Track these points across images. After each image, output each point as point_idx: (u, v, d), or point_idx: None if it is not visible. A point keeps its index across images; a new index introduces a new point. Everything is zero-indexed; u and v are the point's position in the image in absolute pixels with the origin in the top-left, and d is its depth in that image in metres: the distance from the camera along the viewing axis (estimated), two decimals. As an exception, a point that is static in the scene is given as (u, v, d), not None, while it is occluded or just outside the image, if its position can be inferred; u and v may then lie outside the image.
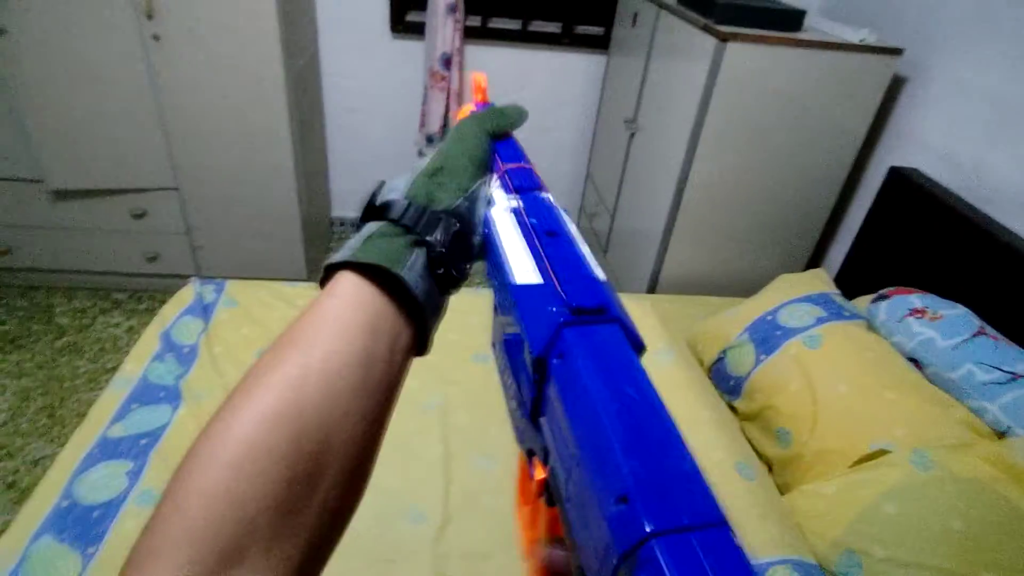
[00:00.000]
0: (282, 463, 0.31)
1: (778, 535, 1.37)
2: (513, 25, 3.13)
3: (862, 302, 1.90)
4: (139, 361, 1.75)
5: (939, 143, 2.03)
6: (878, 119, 2.20)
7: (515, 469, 0.44)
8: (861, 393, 1.52)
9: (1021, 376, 1.43)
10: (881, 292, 1.84)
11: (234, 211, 2.79)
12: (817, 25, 2.26)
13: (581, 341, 0.32)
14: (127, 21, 2.29)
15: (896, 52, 2.04)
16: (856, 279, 2.19)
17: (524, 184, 0.46)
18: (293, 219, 2.85)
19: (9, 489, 2.07)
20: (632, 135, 2.68)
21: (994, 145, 1.83)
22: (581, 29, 3.19)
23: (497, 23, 3.12)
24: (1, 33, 2.24)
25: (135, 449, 1.49)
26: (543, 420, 0.33)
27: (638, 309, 2.09)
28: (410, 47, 3.10)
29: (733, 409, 1.80)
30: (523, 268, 0.38)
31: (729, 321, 1.92)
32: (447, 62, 2.95)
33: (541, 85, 3.26)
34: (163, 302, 2.01)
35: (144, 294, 3.00)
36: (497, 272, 0.40)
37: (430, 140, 3.16)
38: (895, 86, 2.19)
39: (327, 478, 0.33)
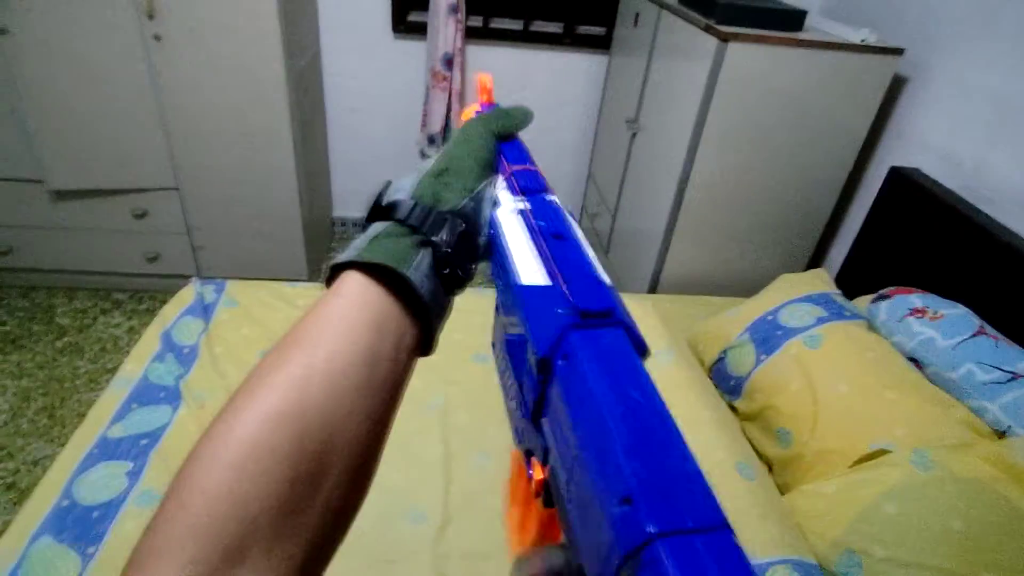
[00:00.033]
0: (285, 463, 0.31)
1: (778, 535, 1.37)
2: (515, 25, 3.13)
3: (863, 302, 1.90)
4: (139, 361, 1.75)
5: (940, 143, 2.03)
6: (879, 119, 2.20)
7: (511, 470, 0.44)
8: (861, 393, 1.52)
9: (1021, 376, 1.42)
10: (881, 292, 1.84)
11: (235, 211, 2.80)
12: (818, 25, 2.26)
13: (587, 344, 0.32)
14: (128, 21, 2.29)
15: (897, 52, 2.04)
16: (857, 279, 2.18)
17: (531, 186, 0.46)
18: (294, 219, 2.85)
19: (9, 489, 2.07)
20: (633, 135, 2.68)
21: (995, 145, 1.83)
22: (583, 29, 3.19)
23: (499, 23, 3.12)
24: (3, 33, 2.25)
25: (135, 449, 1.49)
26: (544, 421, 0.33)
27: (639, 309, 2.09)
28: (412, 47, 3.10)
29: (733, 409, 1.80)
30: (530, 269, 0.38)
31: (730, 321, 1.92)
32: (449, 62, 2.95)
33: (543, 85, 3.26)
34: (164, 302, 2.01)
35: (145, 294, 3.00)
36: (502, 273, 0.40)
37: (431, 140, 3.16)
38: (896, 86, 2.19)
39: (331, 477, 0.33)
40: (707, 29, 2.03)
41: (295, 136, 2.65)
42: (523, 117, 0.52)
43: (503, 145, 0.50)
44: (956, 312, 1.63)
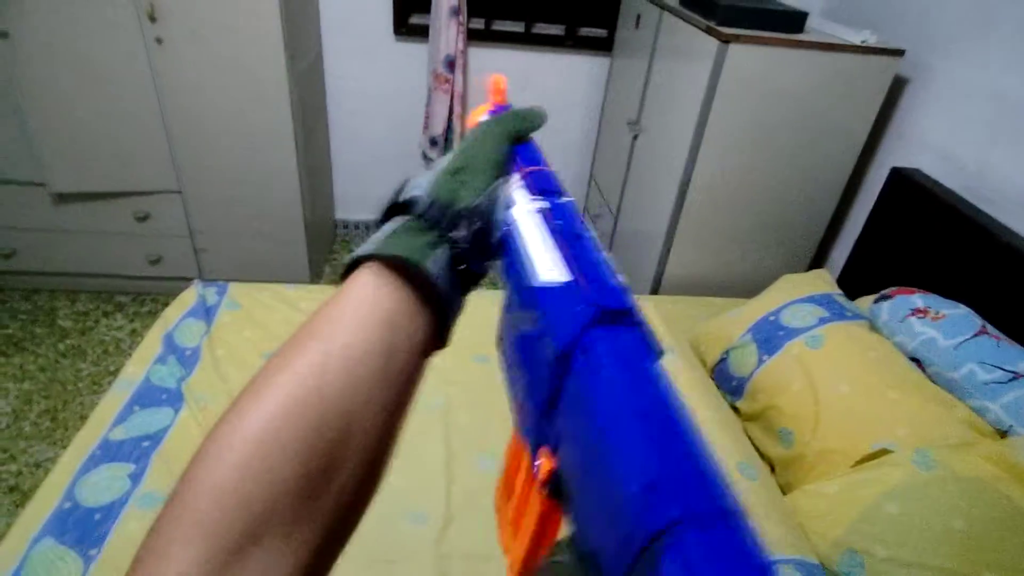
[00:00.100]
0: (305, 446, 0.31)
1: (780, 535, 1.37)
2: (516, 27, 3.13)
3: (864, 302, 1.90)
4: (141, 364, 1.76)
5: (941, 144, 2.03)
6: (880, 120, 2.20)
7: (505, 467, 0.44)
8: (863, 393, 1.52)
9: (1022, 375, 1.42)
10: (883, 292, 1.84)
11: (237, 213, 2.80)
12: (819, 26, 2.26)
13: (606, 340, 0.32)
14: (130, 24, 2.30)
15: (897, 53, 2.04)
16: (858, 279, 2.18)
17: (547, 187, 0.46)
18: (296, 222, 2.85)
19: (11, 492, 2.07)
20: (635, 137, 2.68)
21: (996, 145, 1.83)
22: (584, 31, 3.19)
23: (501, 25, 3.13)
24: (4, 36, 2.25)
25: (137, 451, 1.49)
26: (558, 412, 0.34)
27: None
28: (414, 49, 3.10)
29: (735, 409, 1.80)
30: (549, 266, 0.38)
31: (732, 322, 1.92)
32: (451, 64, 2.95)
33: (544, 87, 3.26)
34: (166, 305, 2.02)
35: (147, 297, 3.00)
36: (517, 270, 0.40)
37: (433, 142, 3.16)
38: (897, 87, 2.19)
39: (347, 465, 0.33)
40: (708, 31, 2.03)
41: (297, 138, 2.65)
42: (538, 119, 0.52)
43: (518, 147, 0.51)
44: (957, 312, 1.63)
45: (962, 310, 1.63)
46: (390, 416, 0.36)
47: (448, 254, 0.40)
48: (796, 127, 2.15)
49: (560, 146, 3.47)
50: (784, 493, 1.54)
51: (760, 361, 1.74)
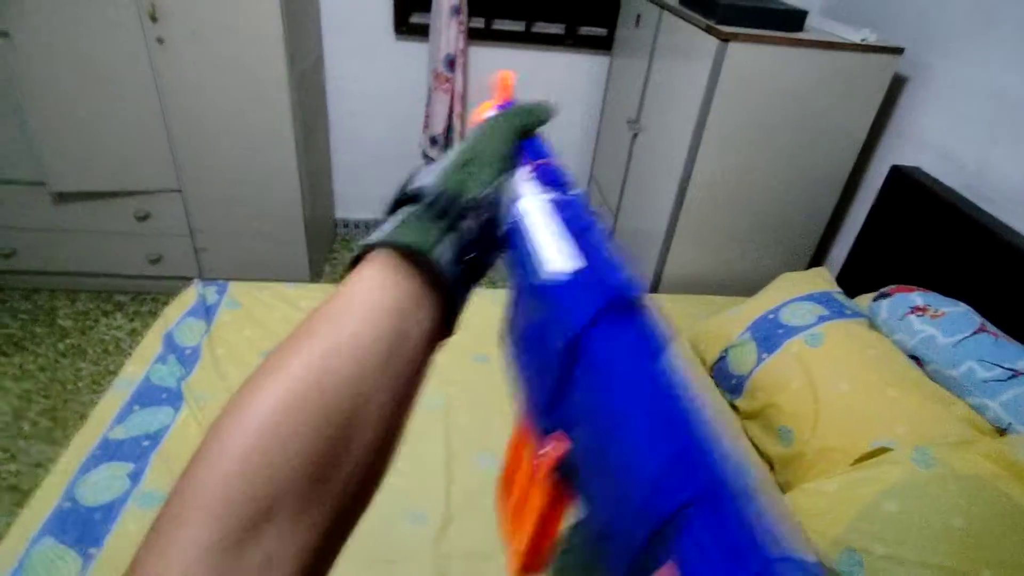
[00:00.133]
0: (314, 429, 0.31)
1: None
2: (517, 27, 3.13)
3: (864, 300, 1.90)
4: (141, 363, 1.76)
5: (940, 142, 2.03)
6: (879, 118, 2.20)
7: (507, 461, 0.45)
8: (863, 391, 1.52)
9: (1021, 373, 1.42)
10: (882, 290, 1.84)
11: (237, 213, 2.80)
12: (818, 25, 2.26)
13: (619, 326, 0.34)
14: (131, 24, 2.30)
15: (897, 51, 2.04)
16: (858, 277, 2.18)
17: (557, 180, 0.47)
18: (296, 221, 2.85)
19: (11, 491, 2.07)
20: (635, 135, 2.68)
21: (995, 144, 1.83)
22: (584, 30, 3.19)
23: (501, 25, 3.13)
24: (5, 36, 2.25)
25: (136, 451, 1.49)
26: (570, 398, 0.34)
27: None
28: (414, 49, 3.10)
29: (735, 408, 1.80)
30: (561, 255, 0.39)
31: (731, 320, 1.92)
32: (451, 64, 2.95)
33: (544, 86, 3.26)
34: (165, 304, 2.02)
35: (147, 296, 3.01)
36: (526, 260, 0.41)
37: (434, 142, 3.16)
38: (896, 85, 2.19)
39: (355, 450, 0.33)
40: (708, 29, 2.03)
41: (297, 138, 2.65)
42: (546, 112, 0.53)
43: (527, 141, 0.51)
44: (957, 310, 1.63)
45: (961, 308, 1.63)
46: (398, 403, 0.37)
47: (455, 245, 0.41)
48: (796, 125, 2.15)
49: (560, 145, 3.40)
50: (783, 492, 1.54)
51: (759, 359, 1.74)
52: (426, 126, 3.18)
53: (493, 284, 3.46)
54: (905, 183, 2.02)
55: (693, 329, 2.07)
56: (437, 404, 1.71)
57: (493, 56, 3.14)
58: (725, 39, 1.95)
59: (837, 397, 1.53)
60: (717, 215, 2.32)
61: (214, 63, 2.42)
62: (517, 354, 0.42)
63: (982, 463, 1.26)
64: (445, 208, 0.41)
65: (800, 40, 2.01)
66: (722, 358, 1.87)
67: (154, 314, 2.82)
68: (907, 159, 2.13)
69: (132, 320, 2.85)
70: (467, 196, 0.42)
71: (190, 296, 2.00)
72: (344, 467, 0.33)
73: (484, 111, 0.55)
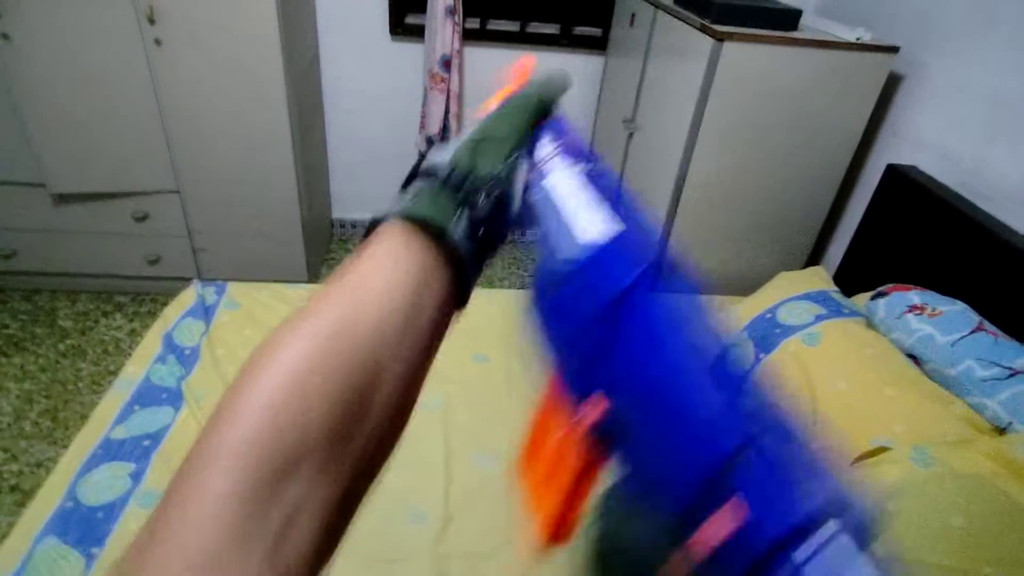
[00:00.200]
0: (337, 387, 0.32)
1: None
2: (512, 27, 3.14)
3: (861, 299, 1.90)
4: (141, 363, 1.76)
5: (936, 140, 2.03)
6: (875, 117, 2.21)
7: (515, 467, 0.46)
8: (861, 390, 1.52)
9: (1020, 372, 1.43)
10: (880, 289, 1.85)
11: (235, 213, 2.80)
12: (813, 24, 2.26)
13: (664, 283, 0.36)
14: (129, 26, 2.30)
15: (892, 50, 2.05)
16: (855, 276, 2.19)
17: (585, 155, 0.48)
18: (294, 221, 2.86)
19: (13, 492, 2.08)
20: (630, 135, 2.68)
21: (991, 142, 1.83)
22: (579, 30, 3.20)
23: (496, 25, 3.13)
24: (5, 38, 2.25)
25: (137, 451, 1.50)
26: (613, 358, 0.36)
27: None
28: (409, 49, 3.10)
29: (733, 407, 1.80)
30: (599, 220, 0.40)
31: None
32: (446, 64, 2.96)
33: (540, 86, 3.25)
34: (165, 304, 2.02)
35: (146, 297, 3.01)
36: (557, 231, 0.42)
37: (430, 142, 3.16)
38: (891, 84, 2.20)
39: (374, 412, 0.34)
40: (702, 29, 2.03)
41: (294, 138, 2.65)
42: (560, 83, 0.53)
43: (549, 121, 0.51)
44: (954, 309, 1.63)
45: (959, 307, 1.63)
46: (413, 373, 0.38)
47: (468, 220, 0.41)
48: (791, 124, 2.15)
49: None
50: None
51: (757, 359, 1.75)
52: (422, 126, 3.18)
53: (492, 284, 3.47)
54: (901, 181, 2.03)
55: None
56: (436, 403, 1.72)
57: (488, 56, 3.14)
58: (720, 38, 1.96)
59: (835, 396, 1.54)
60: (713, 214, 2.32)
61: (211, 64, 2.42)
62: (545, 324, 0.43)
63: (981, 462, 1.27)
64: (459, 184, 0.42)
65: (795, 39, 2.02)
66: (720, 357, 1.87)
67: (153, 314, 2.82)
68: (903, 158, 2.14)
69: (132, 320, 2.85)
70: (480, 172, 0.43)
71: (189, 296, 2.00)
72: (365, 427, 0.33)
73: (501, 96, 0.56)
